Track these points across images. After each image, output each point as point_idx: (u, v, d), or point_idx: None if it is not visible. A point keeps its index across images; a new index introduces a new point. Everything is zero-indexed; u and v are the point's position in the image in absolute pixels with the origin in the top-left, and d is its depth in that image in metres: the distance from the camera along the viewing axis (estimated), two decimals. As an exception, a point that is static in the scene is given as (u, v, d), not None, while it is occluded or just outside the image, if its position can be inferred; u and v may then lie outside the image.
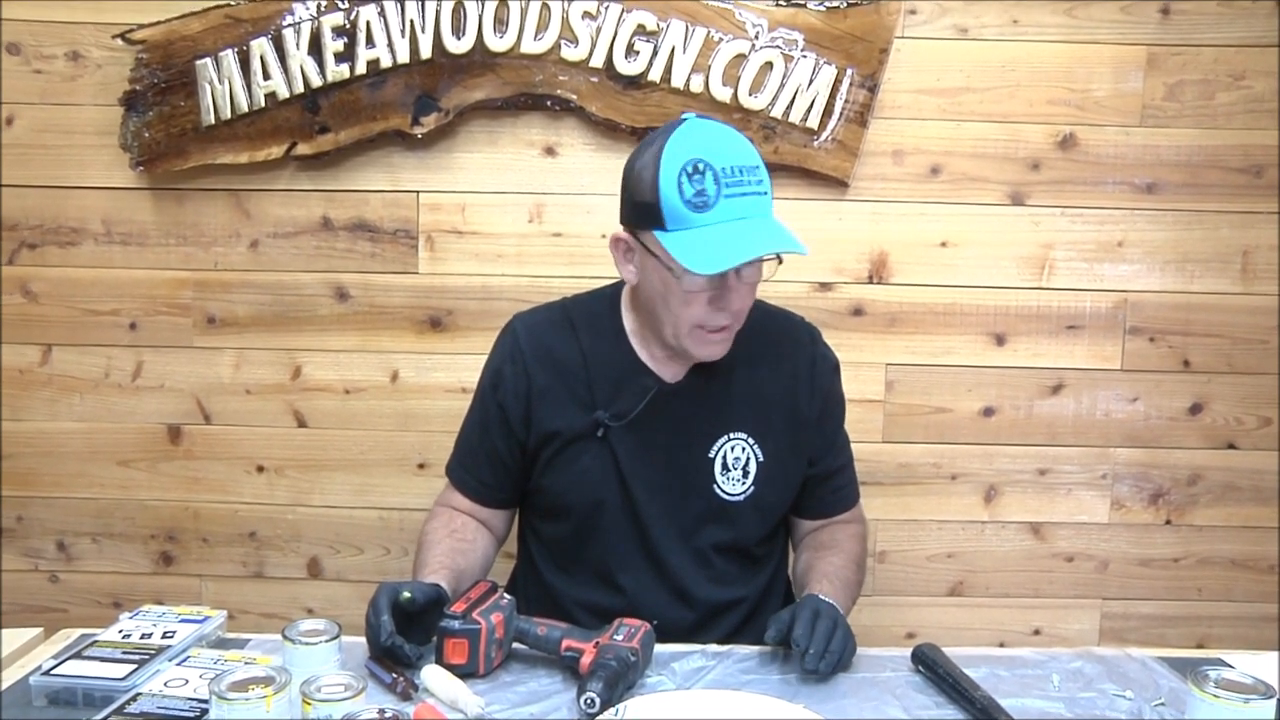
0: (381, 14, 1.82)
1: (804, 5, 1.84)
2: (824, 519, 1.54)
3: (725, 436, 1.42)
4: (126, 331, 1.98)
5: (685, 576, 1.43)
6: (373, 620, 1.19)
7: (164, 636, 1.23)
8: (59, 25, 1.89)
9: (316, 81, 1.84)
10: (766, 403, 1.44)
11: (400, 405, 1.99)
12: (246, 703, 0.94)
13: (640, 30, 1.82)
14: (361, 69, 1.83)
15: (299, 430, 2.01)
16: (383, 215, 1.94)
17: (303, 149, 1.88)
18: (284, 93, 1.84)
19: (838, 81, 1.85)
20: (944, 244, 1.96)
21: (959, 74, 1.91)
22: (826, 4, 1.84)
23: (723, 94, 1.85)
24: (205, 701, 1.02)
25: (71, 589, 2.06)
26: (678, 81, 1.84)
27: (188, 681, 1.12)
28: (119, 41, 1.84)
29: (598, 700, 1.09)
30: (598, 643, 1.18)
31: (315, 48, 1.83)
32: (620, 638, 1.19)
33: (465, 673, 1.17)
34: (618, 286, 1.48)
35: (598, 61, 1.83)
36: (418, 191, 1.93)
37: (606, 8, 1.82)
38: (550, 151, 1.92)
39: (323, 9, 1.82)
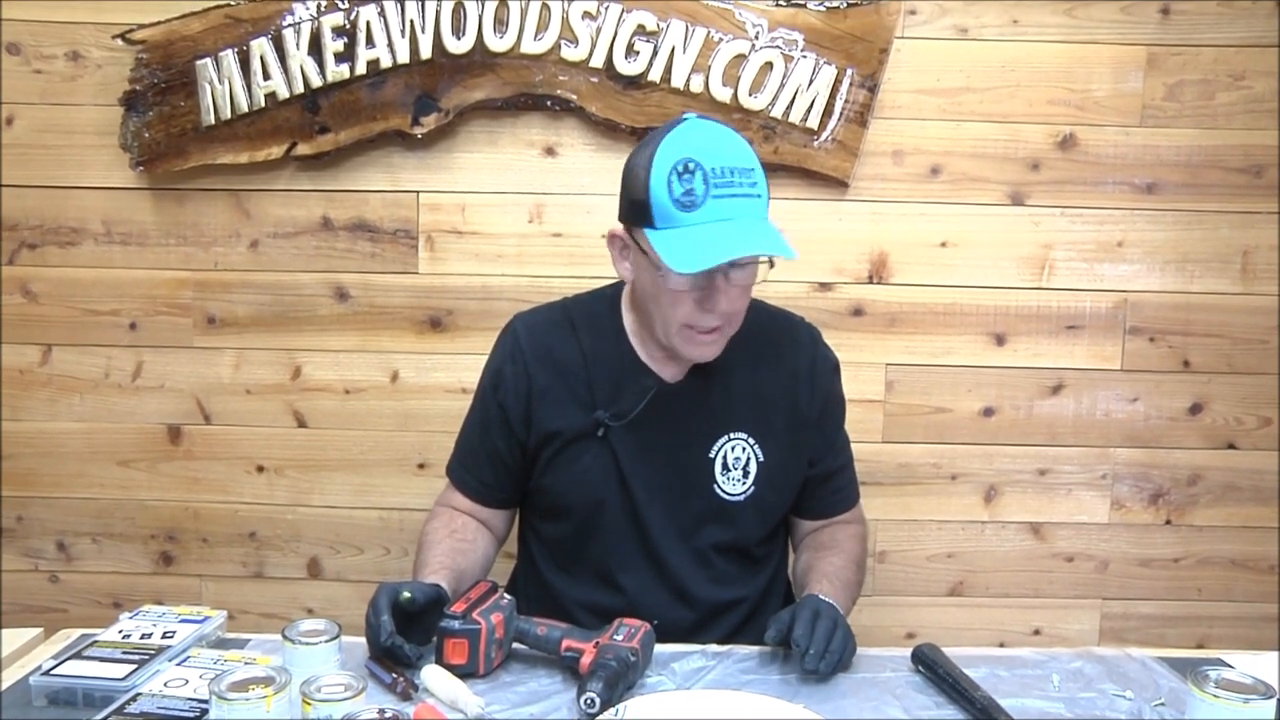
0: (381, 14, 1.82)
1: (804, 5, 1.84)
2: (824, 519, 1.53)
3: (726, 436, 1.42)
4: (126, 331, 1.98)
5: (685, 576, 1.43)
6: (373, 620, 1.19)
7: (164, 637, 1.23)
8: (59, 25, 1.89)
9: (316, 81, 1.84)
10: (767, 403, 1.44)
11: (400, 405, 1.99)
12: (246, 703, 0.94)
13: (640, 30, 1.82)
14: (361, 69, 1.83)
15: (299, 430, 2.01)
16: (383, 215, 1.94)
17: (303, 149, 1.88)
18: (284, 93, 1.84)
19: (838, 81, 1.85)
20: (944, 244, 1.96)
21: (959, 74, 1.91)
22: (826, 4, 1.84)
23: (723, 94, 1.85)
24: (205, 702, 1.02)
25: (71, 589, 2.06)
26: (678, 82, 1.84)
27: (188, 682, 1.12)
28: (119, 41, 1.84)
29: (598, 700, 1.09)
30: (598, 643, 1.18)
31: (315, 48, 1.83)
32: (620, 638, 1.19)
33: (465, 673, 1.17)
34: (618, 286, 1.48)
35: (598, 61, 1.83)
36: (418, 191, 1.93)
37: (606, 8, 1.82)
38: (550, 152, 1.92)
39: (323, 9, 1.82)
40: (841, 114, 1.87)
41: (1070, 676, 1.25)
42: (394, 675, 1.15)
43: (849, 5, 1.84)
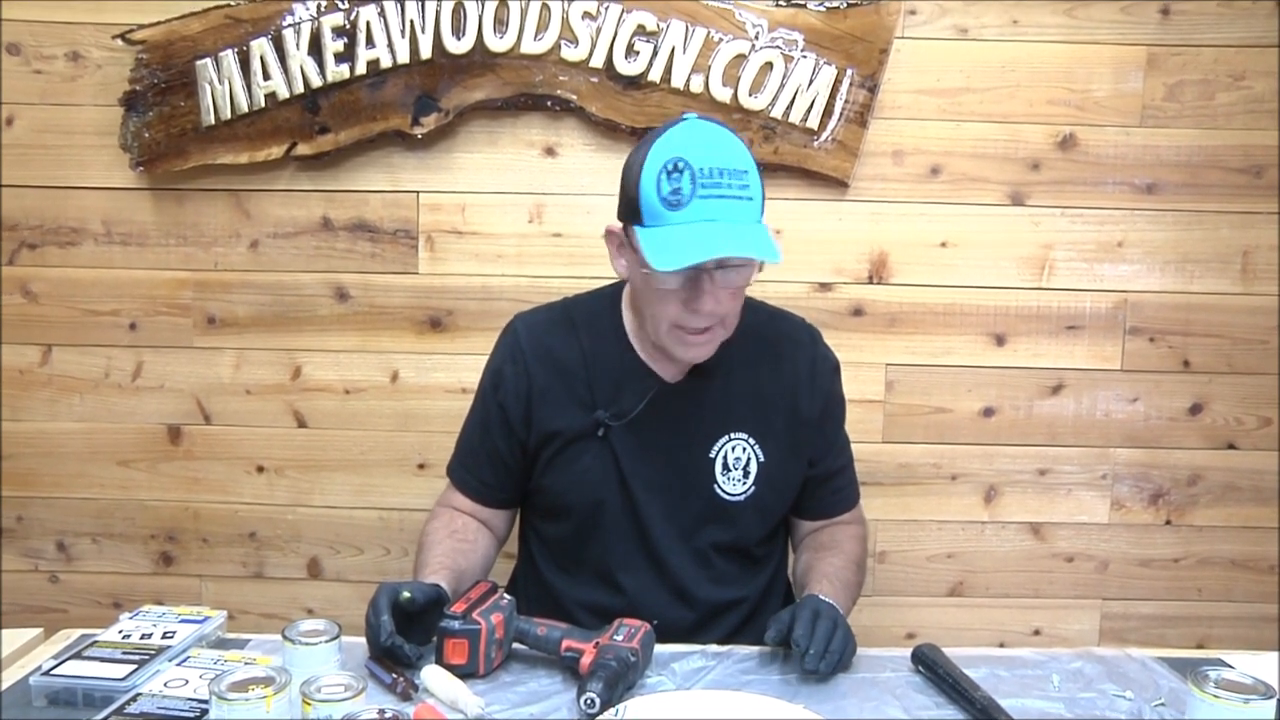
0: (381, 14, 1.82)
1: (804, 5, 1.84)
2: (824, 520, 1.53)
3: (726, 437, 1.42)
4: (126, 332, 1.98)
5: (685, 576, 1.43)
6: (373, 620, 1.19)
7: (164, 637, 1.23)
8: (59, 25, 1.89)
9: (316, 82, 1.84)
10: (767, 403, 1.44)
11: (400, 405, 1.99)
12: (246, 703, 0.94)
13: (640, 30, 1.82)
14: (361, 69, 1.83)
15: (299, 430, 2.01)
16: (383, 215, 1.94)
17: (303, 149, 1.88)
18: (284, 93, 1.84)
19: (838, 82, 1.85)
20: (944, 244, 1.96)
21: (959, 74, 1.91)
22: (826, 4, 1.84)
23: (723, 94, 1.85)
24: (205, 702, 1.02)
25: (71, 589, 2.06)
26: (678, 82, 1.84)
27: (188, 682, 1.12)
28: (119, 42, 1.84)
29: (598, 700, 1.09)
30: (598, 643, 1.18)
31: (315, 48, 1.83)
32: (620, 638, 1.19)
33: (465, 673, 1.17)
34: (618, 286, 1.48)
35: (598, 62, 1.83)
36: (418, 192, 1.93)
37: (606, 8, 1.82)
38: (550, 152, 1.92)
39: (323, 9, 1.82)
40: (841, 114, 1.87)
41: (1070, 677, 1.25)
42: (394, 675, 1.15)
43: (849, 5, 1.84)
